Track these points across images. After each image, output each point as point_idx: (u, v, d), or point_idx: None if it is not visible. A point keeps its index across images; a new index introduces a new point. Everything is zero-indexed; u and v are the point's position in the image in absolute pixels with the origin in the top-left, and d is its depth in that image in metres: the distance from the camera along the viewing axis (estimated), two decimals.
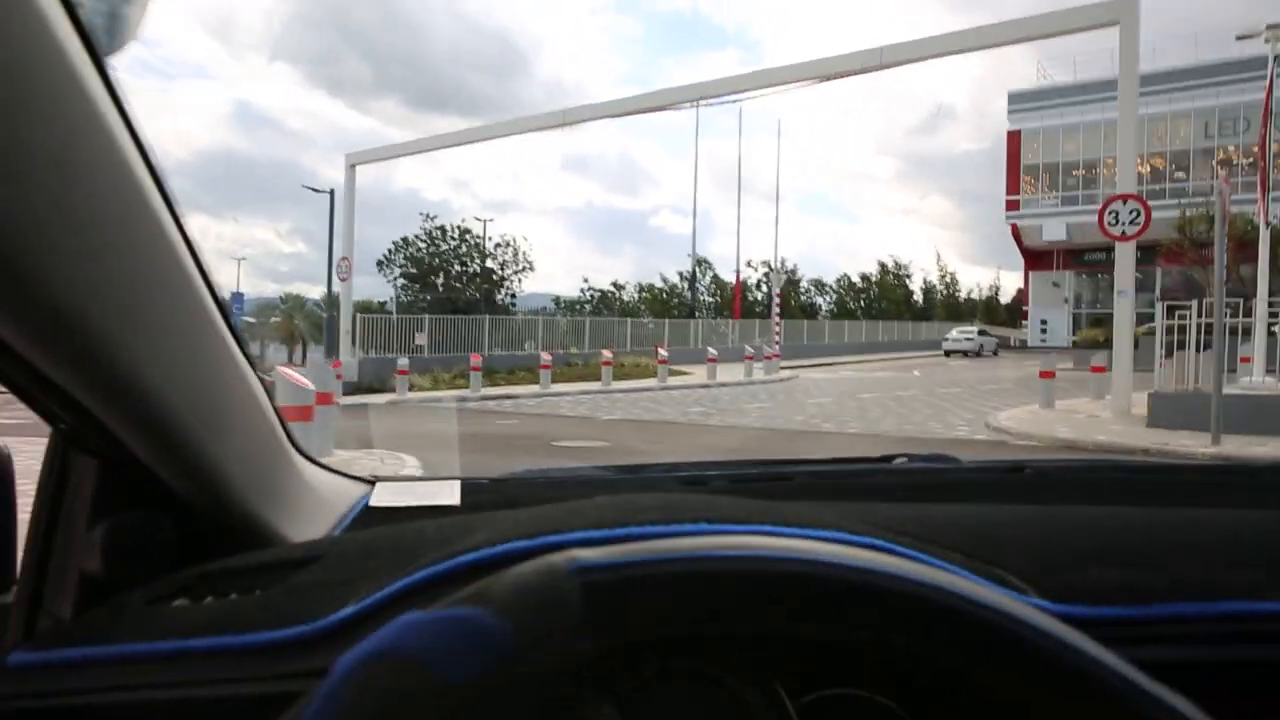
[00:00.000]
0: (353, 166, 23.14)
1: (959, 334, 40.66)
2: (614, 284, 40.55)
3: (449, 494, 0.98)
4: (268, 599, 0.68)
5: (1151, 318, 41.99)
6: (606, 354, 19.52)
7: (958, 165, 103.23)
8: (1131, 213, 11.86)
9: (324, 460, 1.01)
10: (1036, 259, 50.92)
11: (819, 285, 51.71)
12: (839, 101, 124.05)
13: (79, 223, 0.51)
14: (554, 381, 19.20)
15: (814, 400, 16.68)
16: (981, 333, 40.96)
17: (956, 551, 0.66)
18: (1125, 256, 12.36)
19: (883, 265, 54.40)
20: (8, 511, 0.78)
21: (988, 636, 0.47)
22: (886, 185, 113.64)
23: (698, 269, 41.43)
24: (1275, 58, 13.67)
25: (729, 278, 43.36)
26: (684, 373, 23.34)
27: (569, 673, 0.51)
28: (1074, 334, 49.73)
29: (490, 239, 33.00)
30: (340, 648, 0.51)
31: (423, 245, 31.38)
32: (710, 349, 21.85)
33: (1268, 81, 15.44)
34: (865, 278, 53.56)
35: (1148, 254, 49.17)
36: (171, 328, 0.65)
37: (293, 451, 0.92)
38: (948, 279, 61.03)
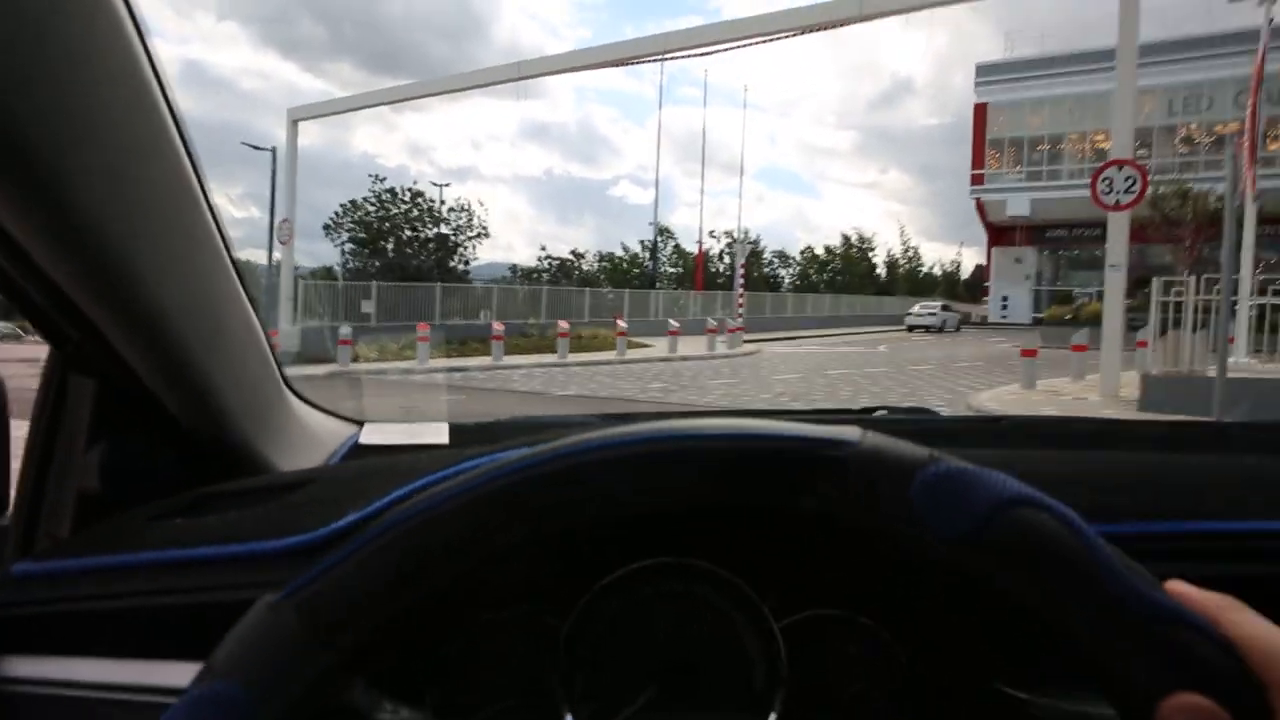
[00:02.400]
0: (295, 123, 21.63)
1: (922, 309, 40.08)
2: (573, 253, 39.20)
3: (438, 434, 0.99)
4: (266, 514, 0.70)
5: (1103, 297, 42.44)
6: (563, 325, 18.40)
7: (918, 140, 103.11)
8: (1127, 180, 11.02)
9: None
10: (1000, 235, 50.56)
11: (782, 257, 50.80)
12: (801, 74, 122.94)
13: (97, 138, 0.54)
14: (508, 353, 18.15)
15: (780, 377, 15.83)
16: (945, 308, 40.46)
17: None
18: (1118, 228, 11.58)
19: (846, 238, 53.58)
20: (3, 435, 0.77)
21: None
22: (847, 159, 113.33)
23: (659, 239, 40.37)
24: (1270, 22, 12.90)
25: (691, 249, 42.43)
26: (644, 345, 22.39)
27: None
28: (1035, 311, 50.00)
29: (443, 203, 31.32)
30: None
31: (371, 209, 29.46)
32: (671, 320, 20.81)
33: (1260, 50, 14.74)
34: (829, 250, 52.75)
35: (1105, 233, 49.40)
36: (179, 250, 0.66)
37: (285, 388, 0.92)
38: (910, 253, 60.68)
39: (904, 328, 38.90)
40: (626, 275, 39.08)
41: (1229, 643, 0.38)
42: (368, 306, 21.59)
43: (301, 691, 0.43)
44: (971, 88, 49.81)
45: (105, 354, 0.67)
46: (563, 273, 36.42)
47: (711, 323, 21.86)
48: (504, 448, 0.58)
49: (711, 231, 53.61)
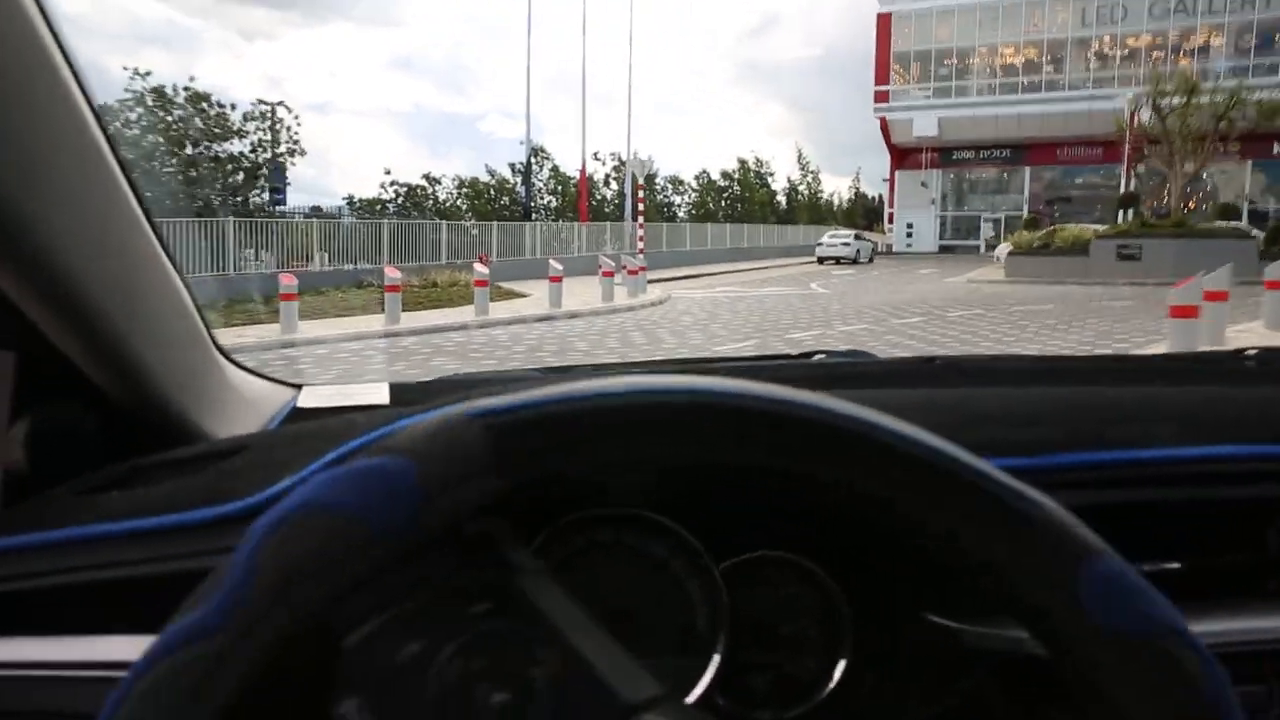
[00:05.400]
0: None
1: (834, 239, 35.42)
2: (426, 177, 31.30)
3: (378, 394, 0.97)
4: (200, 483, 0.68)
5: (1013, 223, 38.84)
6: (391, 273, 12.46)
7: (789, 72, 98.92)
8: None
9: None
10: (903, 156, 46.82)
11: (676, 183, 45.18)
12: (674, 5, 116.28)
13: (6, 104, 0.52)
14: (315, 316, 12.45)
15: (715, 344, 10.68)
16: (858, 237, 35.90)
17: None
18: None
19: (743, 162, 48.38)
20: None
21: (914, 467, 0.44)
22: (726, 87, 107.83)
23: (534, 161, 33.91)
24: None
25: (571, 174, 36.22)
26: (518, 294, 16.83)
27: (488, 533, 0.53)
28: (941, 238, 46.74)
29: (231, 107, 22.49)
30: None
31: (133, 118, 20.81)
32: (553, 262, 15.10)
33: None
34: (726, 175, 47.44)
35: (1018, 153, 46.35)
36: (89, 212, 0.65)
37: (217, 353, 0.91)
38: (809, 179, 56.20)
39: (814, 259, 34.34)
40: (494, 205, 32.39)
41: None
42: None
43: (469, 502, 0.42)
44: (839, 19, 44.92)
45: (18, 323, 0.65)
46: (413, 203, 29.23)
47: (606, 263, 16.39)
48: (444, 403, 0.55)
49: (595, 153, 46.89)
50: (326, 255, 18.83)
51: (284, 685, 0.45)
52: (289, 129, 23.49)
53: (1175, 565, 0.70)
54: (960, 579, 0.45)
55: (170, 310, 0.80)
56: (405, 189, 29.67)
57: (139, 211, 0.71)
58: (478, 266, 13.47)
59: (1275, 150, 33.96)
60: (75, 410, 0.76)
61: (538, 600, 0.52)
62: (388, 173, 39.07)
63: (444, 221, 23.78)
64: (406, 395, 0.98)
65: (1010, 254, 23.34)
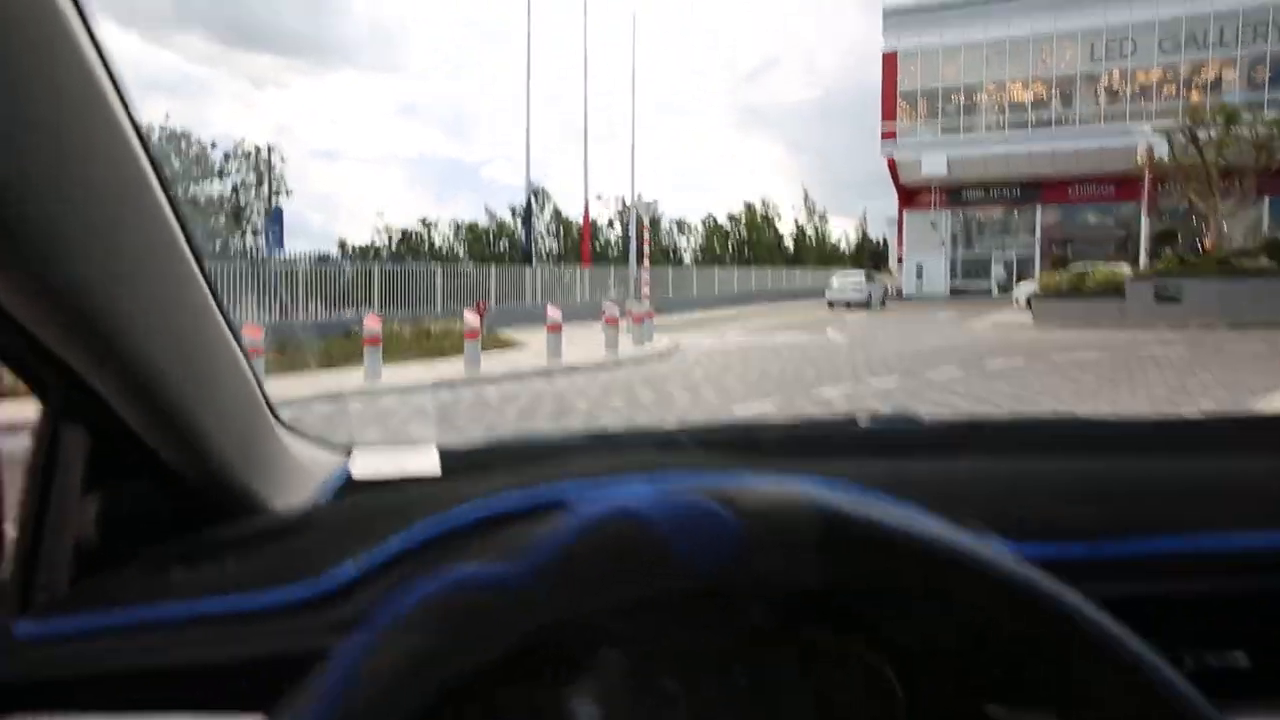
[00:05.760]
0: None
1: (845, 281, 33.95)
2: (422, 222, 29.91)
3: (428, 460, 0.97)
4: (267, 564, 0.70)
5: (1025, 264, 37.66)
6: (370, 324, 11.20)
7: (790, 115, 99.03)
8: None
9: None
10: (911, 197, 45.93)
11: (681, 226, 44.18)
12: (676, 47, 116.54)
13: (74, 188, 0.53)
14: (292, 371, 11.31)
15: (734, 402, 9.45)
16: (869, 278, 34.56)
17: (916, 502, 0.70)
18: None
19: (749, 206, 47.44)
20: None
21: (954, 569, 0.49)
22: (728, 130, 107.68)
23: (535, 203, 32.74)
24: None
25: (574, 216, 35.15)
26: (514, 344, 15.64)
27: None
28: (951, 279, 45.61)
29: (212, 145, 21.55)
30: (344, 606, 0.60)
31: None
32: (551, 310, 13.80)
33: None
34: (733, 218, 46.46)
35: (1028, 191, 45.43)
36: (161, 294, 0.66)
37: (272, 419, 0.90)
38: (816, 221, 55.26)
39: (823, 302, 33.02)
40: (493, 249, 31.11)
41: None
42: None
43: (776, 575, 0.46)
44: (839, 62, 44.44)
45: (94, 404, 0.67)
46: (407, 248, 28.07)
47: (610, 309, 15.19)
48: (496, 487, 0.61)
49: (599, 195, 45.75)
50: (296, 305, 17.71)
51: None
52: (274, 169, 22.35)
53: (1239, 654, 0.67)
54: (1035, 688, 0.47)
55: (235, 382, 0.80)
56: (400, 233, 28.61)
57: (206, 287, 0.70)
58: (468, 316, 12.18)
59: None
60: (143, 484, 0.76)
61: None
62: (380, 215, 37.70)
63: (439, 266, 22.63)
64: (456, 463, 0.97)
65: (1037, 297, 22.05)
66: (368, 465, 0.97)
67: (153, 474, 0.75)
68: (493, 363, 12.80)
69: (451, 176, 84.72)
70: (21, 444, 0.75)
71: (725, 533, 0.44)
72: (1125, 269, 22.50)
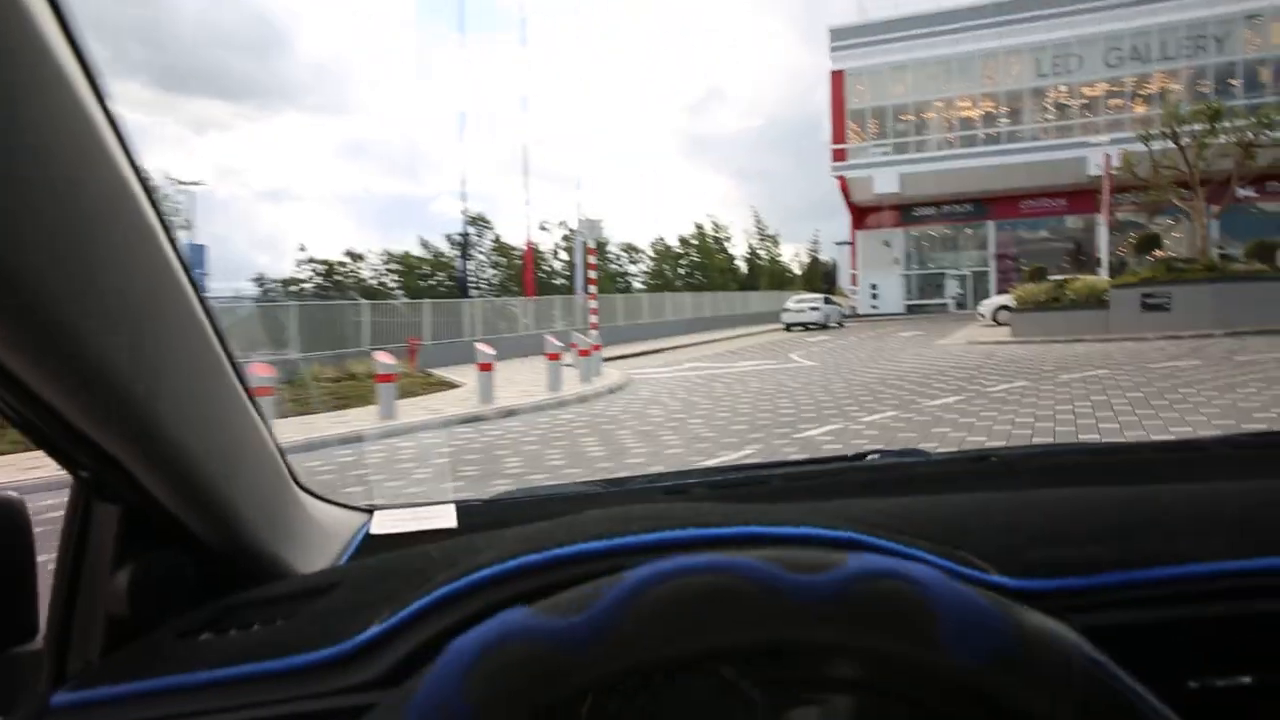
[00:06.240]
0: None
1: (800, 303, 32.99)
2: (348, 253, 27.17)
3: (445, 517, 1.01)
4: (293, 626, 0.71)
5: (980, 279, 36.82)
6: (261, 370, 9.39)
7: (733, 144, 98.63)
8: None
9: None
10: (863, 216, 45.05)
11: (631, 250, 42.59)
12: (618, 76, 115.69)
13: (105, 280, 0.55)
14: None
15: (698, 451, 7.81)
16: (827, 301, 33.46)
17: (925, 539, 0.69)
18: None
19: (700, 228, 46.06)
20: (27, 560, 0.78)
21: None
22: (675, 159, 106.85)
23: (475, 231, 30.80)
24: None
25: (515, 244, 33.23)
26: (447, 384, 13.86)
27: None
28: (907, 298, 44.74)
29: None
30: (372, 665, 0.62)
31: None
32: (481, 346, 12.04)
33: None
34: (684, 241, 44.99)
35: (980, 207, 44.84)
36: (189, 374, 0.68)
37: (294, 484, 0.93)
38: (769, 243, 54.11)
39: (780, 326, 31.84)
40: (427, 281, 28.93)
41: None
42: None
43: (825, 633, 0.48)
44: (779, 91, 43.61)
45: (125, 481, 0.68)
46: (332, 282, 25.77)
47: (553, 342, 13.50)
48: (509, 540, 0.65)
49: (543, 224, 43.82)
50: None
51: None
52: (177, 204, 20.26)
53: (1246, 679, 0.68)
54: None
55: (259, 453, 0.82)
56: (324, 266, 26.38)
57: (228, 362, 0.72)
58: (380, 357, 10.38)
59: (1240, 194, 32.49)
60: (173, 555, 0.77)
61: None
62: (303, 249, 34.50)
63: (366, 302, 20.59)
64: (472, 517, 1.01)
65: (1013, 310, 20.79)
66: (387, 522, 1.01)
67: (182, 543, 0.77)
68: (414, 408, 11.03)
69: (399, 212, 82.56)
70: (49, 500, 0.71)
71: (1000, 630, 0.45)
72: (1105, 278, 21.39)
